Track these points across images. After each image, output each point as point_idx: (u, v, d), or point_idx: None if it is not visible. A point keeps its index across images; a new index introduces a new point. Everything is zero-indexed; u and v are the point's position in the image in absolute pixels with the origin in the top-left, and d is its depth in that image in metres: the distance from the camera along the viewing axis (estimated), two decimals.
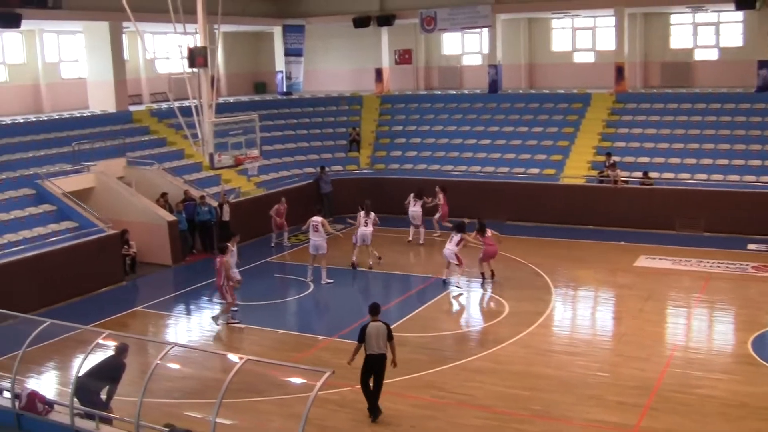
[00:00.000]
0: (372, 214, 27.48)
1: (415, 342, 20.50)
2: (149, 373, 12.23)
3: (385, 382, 16.92)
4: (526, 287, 24.65)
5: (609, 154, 33.03)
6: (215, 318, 22.53)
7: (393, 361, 16.38)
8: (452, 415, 16.41)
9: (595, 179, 32.72)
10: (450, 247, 24.99)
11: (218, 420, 12.02)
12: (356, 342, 16.32)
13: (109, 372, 14.08)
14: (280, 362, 16.68)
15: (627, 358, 18.95)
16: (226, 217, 29.82)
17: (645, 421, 15.75)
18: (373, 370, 16.21)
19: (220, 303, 22.97)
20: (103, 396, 14.08)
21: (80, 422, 12.80)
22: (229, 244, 22.88)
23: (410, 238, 30.76)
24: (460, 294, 24.62)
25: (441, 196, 30.91)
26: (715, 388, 17.26)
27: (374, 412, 16.28)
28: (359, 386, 17.52)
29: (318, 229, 25.77)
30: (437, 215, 30.99)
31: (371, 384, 16.29)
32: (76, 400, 13.07)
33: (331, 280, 25.60)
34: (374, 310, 16.49)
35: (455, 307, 24.08)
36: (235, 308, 22.72)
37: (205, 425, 11.56)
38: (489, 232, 25.35)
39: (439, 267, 27.03)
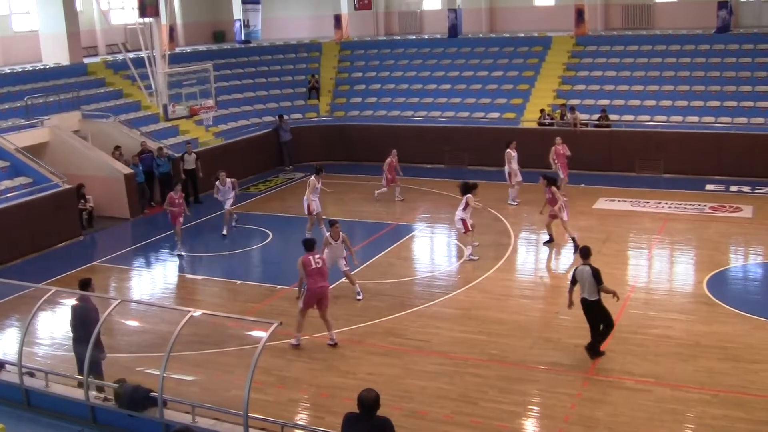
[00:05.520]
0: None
1: (374, 289, 20.51)
2: (96, 329, 12.09)
3: (344, 329, 17.13)
4: (485, 232, 24.59)
5: (543, 113, 33.09)
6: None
7: (614, 296, 15.82)
8: (409, 361, 16.43)
9: (553, 122, 32.63)
10: (457, 212, 22.85)
11: (174, 375, 11.97)
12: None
13: (89, 322, 13.23)
14: (228, 315, 16.72)
15: None
16: (189, 166, 29.75)
17: (601, 362, 15.85)
18: (587, 313, 15.94)
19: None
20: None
21: (30, 380, 12.67)
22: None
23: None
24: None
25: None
26: (670, 328, 17.42)
27: (594, 352, 16.02)
28: (316, 335, 17.60)
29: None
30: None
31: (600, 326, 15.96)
32: (22, 360, 12.93)
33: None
34: (585, 253, 16.16)
35: (413, 253, 24.07)
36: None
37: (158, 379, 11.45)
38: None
39: (398, 215, 27.13)
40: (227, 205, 25.92)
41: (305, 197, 24.40)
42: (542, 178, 23.41)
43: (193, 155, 29.75)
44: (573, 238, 22.77)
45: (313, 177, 24.73)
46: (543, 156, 28.35)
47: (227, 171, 26.44)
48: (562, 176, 27.30)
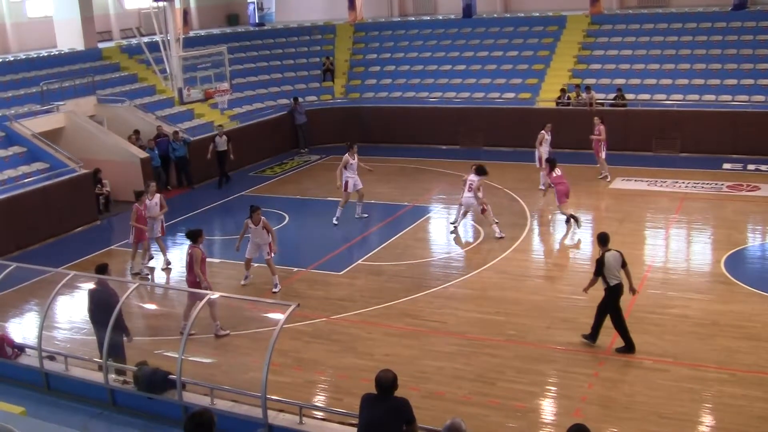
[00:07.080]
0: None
1: (390, 270, 20.53)
2: (115, 313, 12.15)
3: (361, 311, 17.23)
4: (502, 213, 24.50)
5: (564, 93, 32.88)
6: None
7: (631, 288, 15.62)
8: (426, 342, 16.46)
9: (570, 102, 32.48)
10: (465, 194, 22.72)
11: (192, 358, 12.02)
12: (593, 275, 15.55)
13: (108, 306, 13.10)
14: (246, 297, 16.72)
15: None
16: (221, 148, 29.71)
17: (617, 342, 15.82)
18: (617, 300, 15.43)
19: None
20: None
21: (49, 364, 12.77)
22: None
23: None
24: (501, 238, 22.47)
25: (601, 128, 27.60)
26: (687, 308, 17.37)
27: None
28: (334, 317, 17.66)
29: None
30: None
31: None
32: (42, 343, 13.04)
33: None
34: (606, 239, 15.68)
35: (429, 234, 24.07)
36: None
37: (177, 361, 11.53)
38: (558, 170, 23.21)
39: (415, 195, 27.08)
40: (151, 231, 21.55)
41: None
42: (546, 162, 23.33)
43: (225, 137, 29.91)
44: (569, 218, 23.00)
45: (347, 154, 24.36)
46: (564, 136, 28.08)
47: (245, 153, 26.11)
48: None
